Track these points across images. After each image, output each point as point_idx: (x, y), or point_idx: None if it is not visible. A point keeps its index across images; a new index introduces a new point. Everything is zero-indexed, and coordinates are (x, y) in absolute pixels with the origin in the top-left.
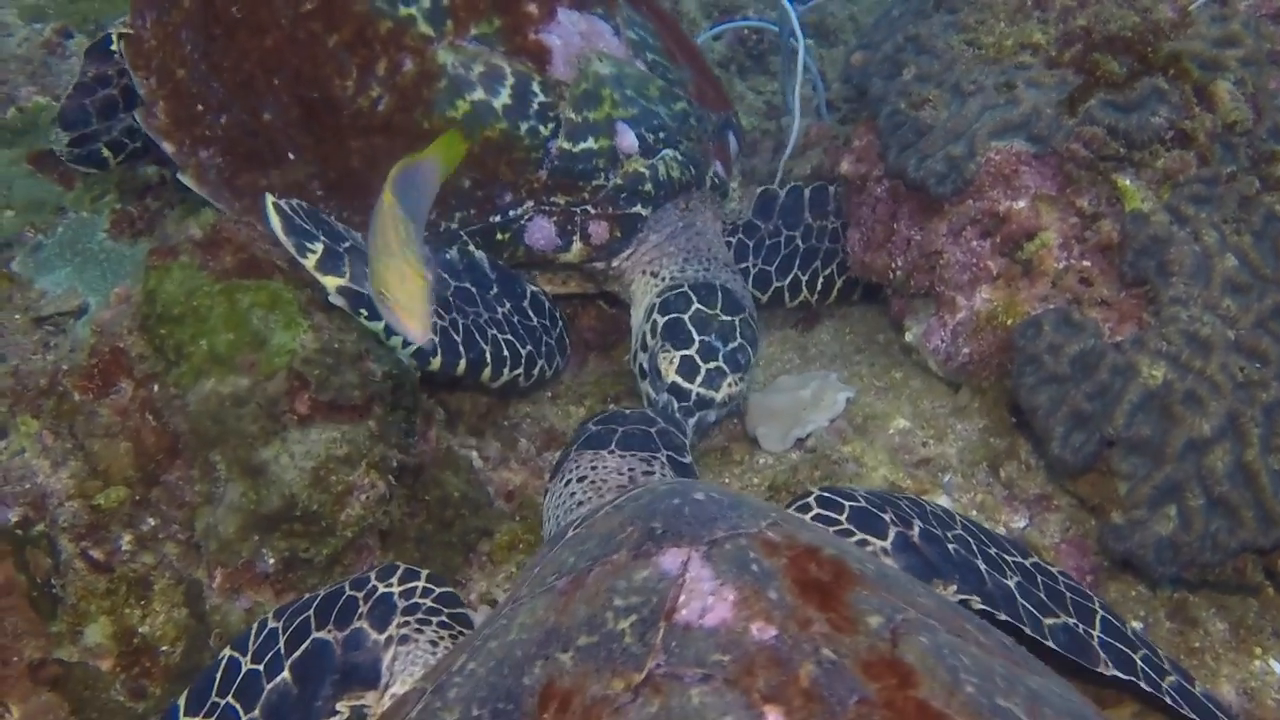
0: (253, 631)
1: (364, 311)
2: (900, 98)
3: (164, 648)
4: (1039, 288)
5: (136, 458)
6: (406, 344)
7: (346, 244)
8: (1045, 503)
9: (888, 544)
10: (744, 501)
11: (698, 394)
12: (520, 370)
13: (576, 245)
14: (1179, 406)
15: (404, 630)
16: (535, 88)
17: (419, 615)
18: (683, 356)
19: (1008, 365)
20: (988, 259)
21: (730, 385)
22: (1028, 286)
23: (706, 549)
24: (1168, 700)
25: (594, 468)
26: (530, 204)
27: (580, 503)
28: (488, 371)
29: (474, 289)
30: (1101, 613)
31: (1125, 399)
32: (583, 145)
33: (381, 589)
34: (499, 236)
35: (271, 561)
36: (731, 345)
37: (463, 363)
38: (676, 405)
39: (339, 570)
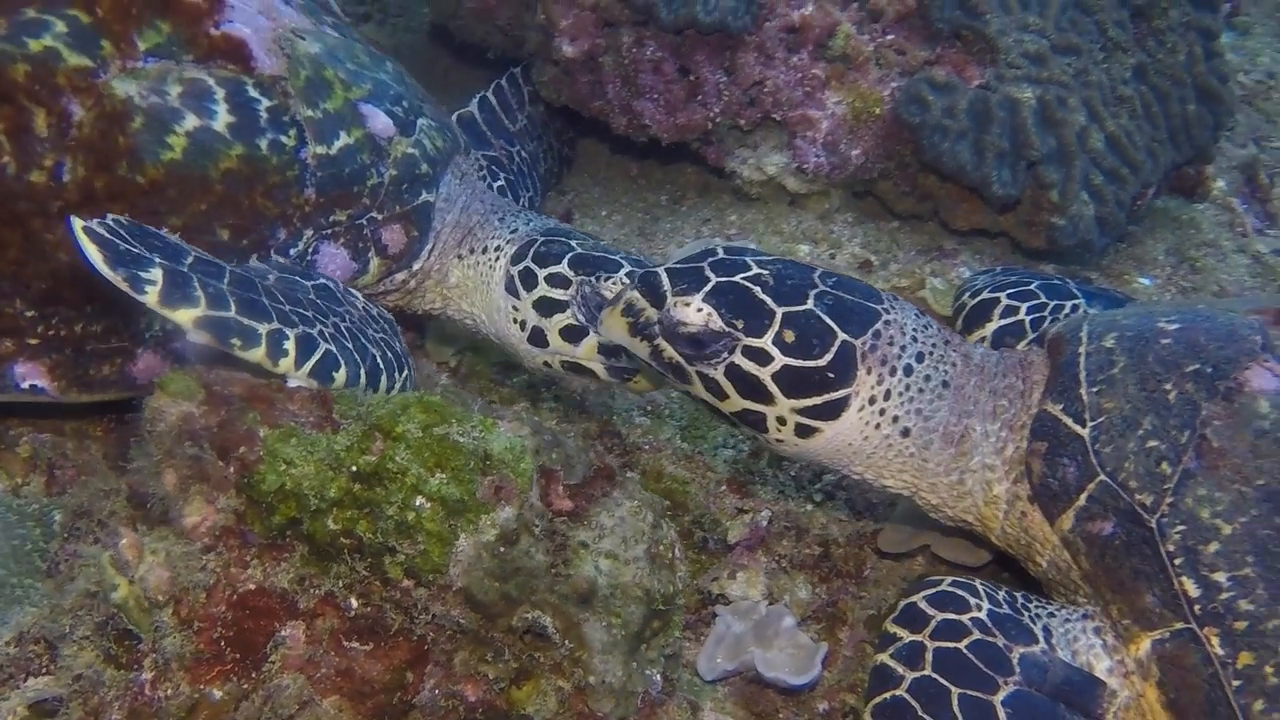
0: None
1: (236, 341)
2: None
3: None
4: (870, 74)
5: (355, 704)
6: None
7: (189, 259)
8: (951, 252)
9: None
10: (1182, 307)
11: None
12: (403, 374)
13: (374, 262)
14: (1057, 112)
15: (1041, 624)
16: (252, 92)
17: (1018, 603)
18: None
19: (898, 149)
20: (812, 68)
21: None
22: (861, 76)
23: (1269, 355)
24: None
25: (903, 348)
26: (309, 232)
27: (946, 382)
28: (384, 381)
29: (332, 285)
30: None
31: (1027, 124)
32: (338, 144)
33: (980, 614)
34: None
35: (659, 678)
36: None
37: (362, 374)
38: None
39: (683, 640)
